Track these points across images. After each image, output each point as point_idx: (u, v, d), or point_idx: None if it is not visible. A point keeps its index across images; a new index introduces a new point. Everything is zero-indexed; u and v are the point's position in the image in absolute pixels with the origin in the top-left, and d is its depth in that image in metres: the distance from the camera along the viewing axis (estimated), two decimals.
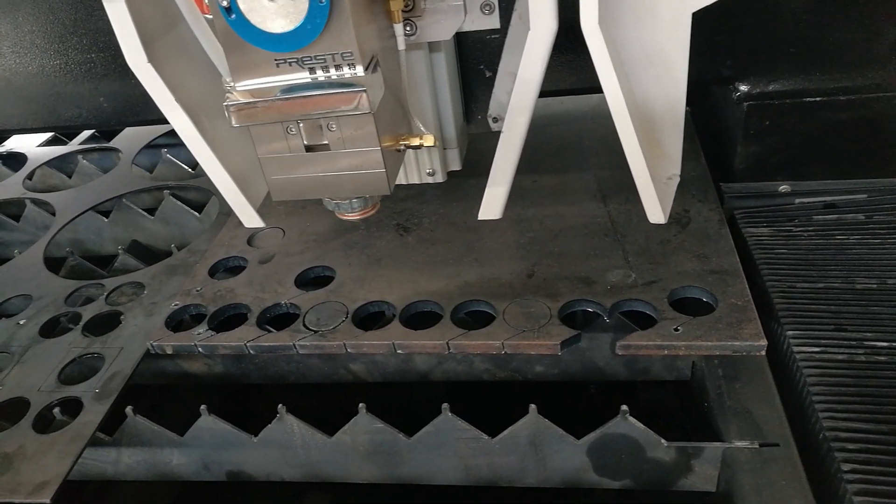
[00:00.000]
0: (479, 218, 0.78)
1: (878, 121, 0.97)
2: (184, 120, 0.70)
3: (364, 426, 0.81)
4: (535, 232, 0.97)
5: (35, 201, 1.37)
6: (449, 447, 0.82)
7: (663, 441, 0.76)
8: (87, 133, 1.64)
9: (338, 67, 0.58)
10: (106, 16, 0.63)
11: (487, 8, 0.73)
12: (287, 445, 0.85)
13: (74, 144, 1.61)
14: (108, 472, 0.92)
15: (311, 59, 0.58)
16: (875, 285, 0.86)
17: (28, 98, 1.11)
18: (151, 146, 1.52)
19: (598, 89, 0.66)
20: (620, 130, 0.65)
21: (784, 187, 1.04)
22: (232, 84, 0.62)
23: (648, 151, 0.67)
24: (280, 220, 1.08)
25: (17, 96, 1.12)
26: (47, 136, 1.67)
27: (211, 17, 0.58)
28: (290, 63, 0.59)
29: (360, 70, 0.59)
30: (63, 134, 1.66)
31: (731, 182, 1.05)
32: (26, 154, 1.57)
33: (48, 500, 0.73)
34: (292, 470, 0.88)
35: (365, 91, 0.58)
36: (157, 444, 0.88)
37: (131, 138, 1.55)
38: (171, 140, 1.49)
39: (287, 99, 0.60)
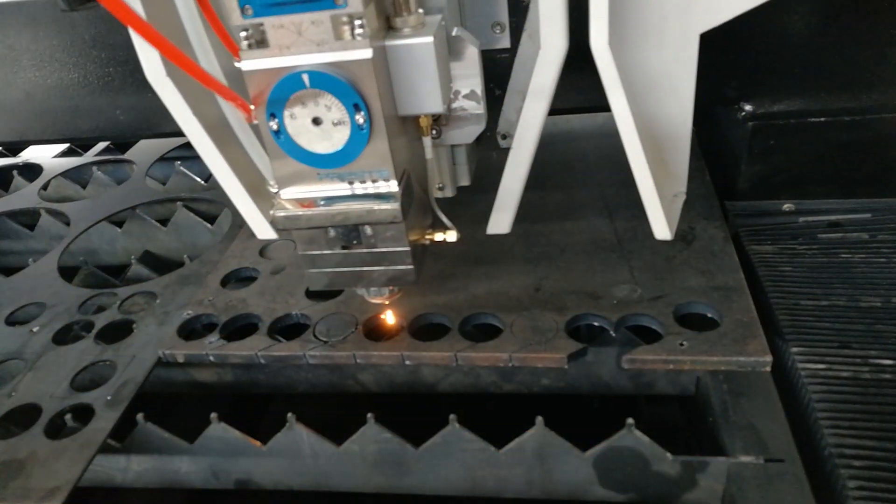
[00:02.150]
0: (488, 232, 0.80)
1: (882, 141, 0.98)
2: (200, 132, 0.72)
3: (372, 436, 0.82)
4: (542, 247, 0.99)
5: (50, 211, 1.39)
6: (456, 458, 0.82)
7: (669, 455, 0.76)
8: (102, 145, 1.67)
9: (374, 181, 0.65)
10: (124, 32, 0.65)
11: (498, 27, 0.76)
12: (296, 454, 0.85)
13: (89, 156, 1.63)
14: (118, 479, 0.92)
15: (350, 175, 0.65)
16: (879, 303, 0.87)
17: (47, 110, 1.14)
18: (165, 158, 1.54)
19: (604, 108, 0.67)
20: (628, 149, 0.67)
21: (788, 206, 1.05)
22: (277, 189, 0.68)
23: (655, 169, 0.69)
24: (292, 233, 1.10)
25: (36, 108, 1.14)
26: (63, 147, 1.70)
27: (256, 122, 0.64)
28: (331, 177, 0.66)
29: (393, 185, 0.65)
30: (79, 145, 1.69)
31: (736, 200, 1.06)
32: (42, 165, 1.60)
33: None
34: (300, 479, 0.88)
35: (398, 203, 0.65)
36: (166, 451, 0.89)
37: (145, 151, 1.58)
38: (185, 153, 1.51)
39: (328, 208, 0.67)
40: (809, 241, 0.99)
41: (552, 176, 1.16)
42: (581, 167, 1.20)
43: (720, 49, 0.94)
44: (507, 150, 0.75)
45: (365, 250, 0.71)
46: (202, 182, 1.43)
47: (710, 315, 0.84)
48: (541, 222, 1.03)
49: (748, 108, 0.99)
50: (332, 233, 0.70)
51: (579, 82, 0.95)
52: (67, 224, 1.35)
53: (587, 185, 1.13)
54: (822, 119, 0.97)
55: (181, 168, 1.44)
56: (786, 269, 0.95)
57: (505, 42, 0.76)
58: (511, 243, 0.98)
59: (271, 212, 0.68)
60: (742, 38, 0.93)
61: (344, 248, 0.72)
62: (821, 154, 1.00)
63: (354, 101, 0.59)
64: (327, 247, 0.71)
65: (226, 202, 1.25)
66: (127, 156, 1.58)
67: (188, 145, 1.46)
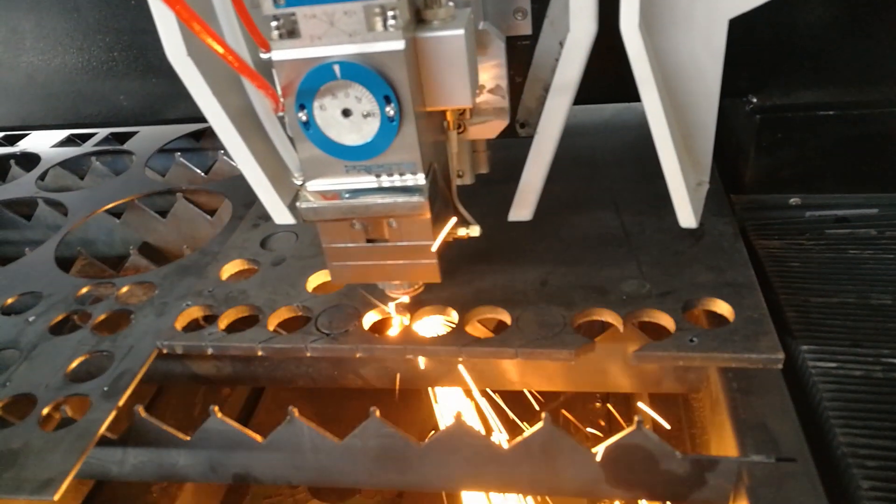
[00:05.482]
0: (510, 219, 0.79)
1: (891, 136, 0.97)
2: (220, 115, 0.71)
3: (374, 431, 0.81)
4: (549, 241, 0.97)
5: (47, 201, 1.37)
6: (460, 454, 0.81)
7: (678, 453, 0.75)
8: (101, 136, 1.65)
9: (401, 174, 0.65)
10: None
11: (520, 14, 0.75)
12: (296, 449, 0.84)
13: (88, 146, 1.61)
14: (114, 471, 0.91)
15: (377, 167, 0.65)
16: (890, 301, 0.86)
17: (49, 95, 1.12)
18: (165, 150, 1.52)
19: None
20: (656, 135, 0.65)
21: (795, 200, 1.04)
22: (302, 181, 0.68)
23: (680, 157, 0.67)
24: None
25: (38, 93, 1.13)
26: (62, 137, 1.68)
27: (283, 114, 0.63)
28: (358, 169, 0.66)
29: (420, 178, 0.66)
30: (81, 131, 1.67)
31: (742, 194, 1.05)
32: (40, 155, 1.58)
33: (53, 498, 0.72)
34: (300, 474, 0.87)
35: (425, 196, 0.65)
36: (163, 444, 0.87)
37: (145, 142, 1.56)
38: (185, 144, 1.49)
39: (354, 200, 0.67)
40: (817, 237, 0.98)
41: (557, 170, 1.13)
42: (587, 161, 1.18)
43: (728, 40, 0.92)
44: (525, 139, 0.74)
45: (390, 244, 0.71)
46: (202, 174, 1.41)
47: (719, 311, 0.82)
48: (547, 216, 1.01)
49: (756, 100, 0.98)
50: (357, 226, 0.69)
51: (592, 72, 0.94)
52: (65, 214, 1.33)
53: (593, 179, 1.12)
54: (831, 113, 0.96)
55: (181, 159, 1.42)
56: (794, 264, 0.93)
57: (527, 29, 0.75)
58: (517, 237, 0.96)
59: (297, 203, 0.68)
60: (751, 29, 0.92)
61: (369, 241, 0.71)
62: (829, 148, 0.99)
63: (385, 93, 0.59)
64: (352, 240, 0.71)
65: (226, 194, 1.24)
66: (126, 147, 1.56)
67: (189, 136, 1.45)
